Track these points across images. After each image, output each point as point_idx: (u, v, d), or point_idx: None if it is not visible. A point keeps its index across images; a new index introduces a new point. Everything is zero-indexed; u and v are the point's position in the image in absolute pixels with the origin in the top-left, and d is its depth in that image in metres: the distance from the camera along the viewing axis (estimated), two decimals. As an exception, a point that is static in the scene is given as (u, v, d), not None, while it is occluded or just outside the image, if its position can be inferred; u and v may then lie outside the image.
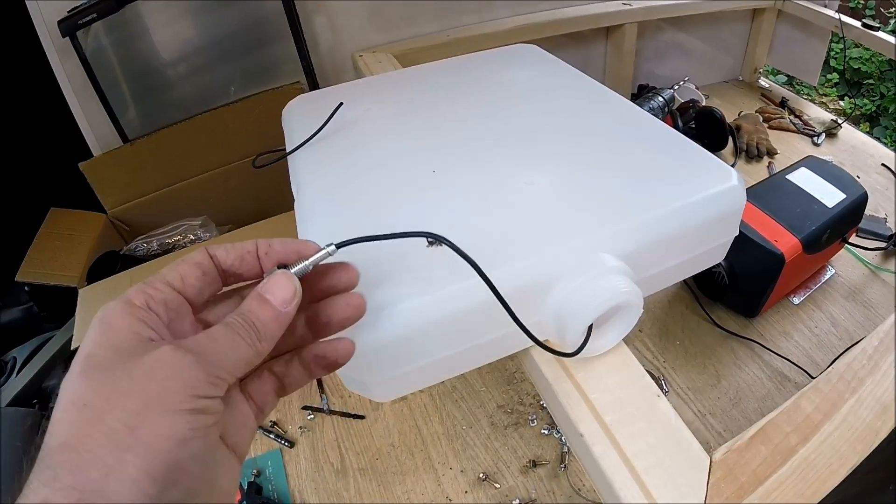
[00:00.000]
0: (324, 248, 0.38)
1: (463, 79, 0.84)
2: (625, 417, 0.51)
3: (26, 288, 1.31)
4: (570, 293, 0.50)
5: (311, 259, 0.38)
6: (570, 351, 0.51)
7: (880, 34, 1.65)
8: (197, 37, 1.36)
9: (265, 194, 0.98)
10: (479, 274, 0.42)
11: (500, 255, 0.50)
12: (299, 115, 0.78)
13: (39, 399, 1.25)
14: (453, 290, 0.48)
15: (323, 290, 0.40)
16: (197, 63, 1.39)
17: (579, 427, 0.51)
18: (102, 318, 0.31)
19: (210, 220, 1.39)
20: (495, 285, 0.43)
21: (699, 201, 0.56)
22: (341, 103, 0.72)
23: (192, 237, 1.33)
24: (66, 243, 1.33)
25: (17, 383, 1.25)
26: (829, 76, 3.91)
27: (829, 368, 0.56)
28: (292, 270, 0.37)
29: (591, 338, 0.51)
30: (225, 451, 0.33)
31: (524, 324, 0.46)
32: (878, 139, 2.07)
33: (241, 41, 1.38)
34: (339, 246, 0.39)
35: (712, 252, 0.62)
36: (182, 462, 0.28)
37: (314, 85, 1.41)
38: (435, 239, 0.41)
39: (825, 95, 3.85)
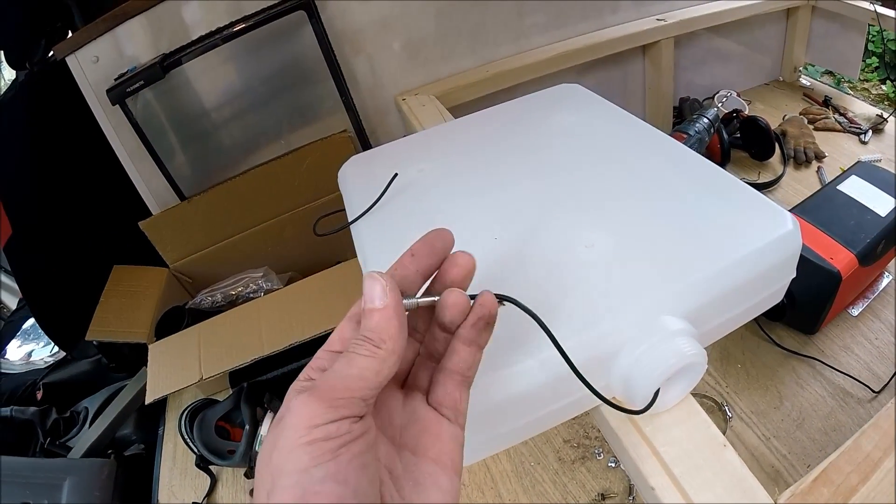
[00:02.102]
0: (425, 297, 0.41)
1: (510, 130, 0.86)
2: (692, 469, 0.52)
3: (95, 342, 1.36)
4: (636, 360, 0.51)
5: (413, 300, 0.41)
6: (638, 410, 0.52)
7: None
8: (238, 81, 1.40)
9: (320, 242, 1.01)
10: (551, 339, 0.44)
11: (566, 325, 0.52)
12: (355, 180, 0.81)
13: (114, 449, 1.29)
14: (533, 363, 0.50)
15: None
16: (240, 106, 1.43)
17: (650, 481, 0.53)
18: None
19: (271, 271, 1.43)
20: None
21: (757, 251, 0.57)
22: (396, 174, 0.74)
23: (254, 287, 1.37)
24: (132, 300, 1.38)
25: (90, 434, 1.29)
26: (867, 60, 3.79)
27: (889, 404, 0.57)
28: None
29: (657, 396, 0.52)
30: (412, 459, 0.38)
31: (594, 387, 0.48)
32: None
33: (281, 82, 1.42)
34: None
35: (771, 296, 0.63)
36: (311, 487, 0.31)
37: (359, 128, 1.44)
38: (505, 300, 0.43)
39: (866, 81, 3.75)
